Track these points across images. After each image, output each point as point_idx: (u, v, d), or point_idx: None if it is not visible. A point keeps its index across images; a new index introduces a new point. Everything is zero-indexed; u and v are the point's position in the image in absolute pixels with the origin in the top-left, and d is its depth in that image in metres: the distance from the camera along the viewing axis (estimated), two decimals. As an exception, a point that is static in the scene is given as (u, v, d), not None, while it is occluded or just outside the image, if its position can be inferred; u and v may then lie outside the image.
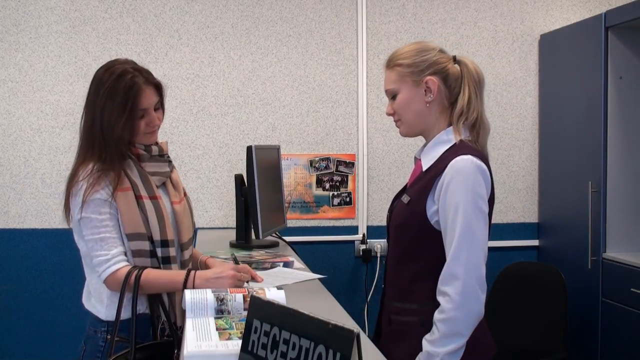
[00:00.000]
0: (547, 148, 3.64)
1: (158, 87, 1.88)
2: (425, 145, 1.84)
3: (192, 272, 1.78)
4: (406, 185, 1.88)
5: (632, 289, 2.87)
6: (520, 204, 3.73)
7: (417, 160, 1.86)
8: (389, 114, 1.86)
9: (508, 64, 3.69)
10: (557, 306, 2.98)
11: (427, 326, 1.72)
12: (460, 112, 1.77)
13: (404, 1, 3.61)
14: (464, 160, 1.68)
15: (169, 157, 1.98)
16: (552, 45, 3.57)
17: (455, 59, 1.81)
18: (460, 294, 1.63)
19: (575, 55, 3.33)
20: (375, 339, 1.91)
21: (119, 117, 1.78)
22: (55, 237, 3.39)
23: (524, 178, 3.72)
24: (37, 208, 3.41)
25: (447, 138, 1.77)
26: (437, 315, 1.67)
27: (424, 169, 1.78)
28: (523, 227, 3.72)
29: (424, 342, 1.69)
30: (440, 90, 1.78)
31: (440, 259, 1.71)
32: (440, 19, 3.63)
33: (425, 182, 1.75)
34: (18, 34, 3.39)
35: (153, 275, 1.78)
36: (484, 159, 1.74)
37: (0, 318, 3.40)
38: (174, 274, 1.81)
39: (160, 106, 1.90)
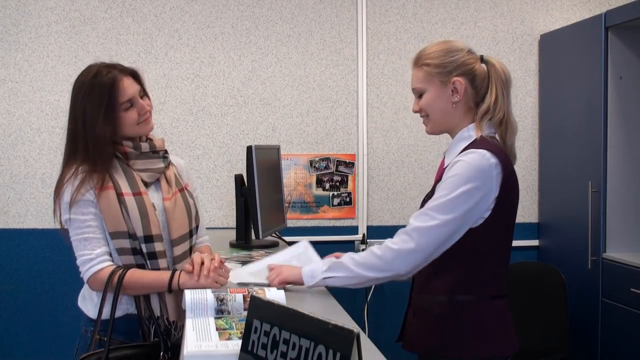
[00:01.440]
0: (547, 148, 3.64)
1: (135, 76, 1.89)
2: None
3: (177, 272, 1.78)
4: None
5: (632, 289, 2.87)
6: (520, 204, 3.69)
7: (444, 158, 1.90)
8: (415, 112, 1.87)
9: (508, 64, 3.63)
10: (557, 306, 2.98)
11: (446, 318, 1.76)
12: (486, 110, 1.78)
13: (404, 1, 3.61)
14: (475, 153, 1.71)
15: (165, 153, 1.96)
16: (552, 45, 3.57)
17: (482, 59, 1.82)
18: (409, 261, 1.71)
19: (575, 55, 3.33)
20: (400, 336, 1.94)
21: (97, 112, 1.79)
22: (55, 237, 3.34)
23: (524, 178, 3.71)
24: (37, 208, 3.41)
25: (468, 135, 1.79)
26: (376, 250, 1.73)
27: (445, 165, 1.81)
28: (523, 227, 3.71)
29: (346, 257, 1.77)
30: (467, 92, 1.79)
31: (458, 252, 1.73)
32: (440, 19, 3.63)
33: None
34: (18, 34, 3.39)
35: (137, 276, 1.78)
36: (502, 155, 1.74)
37: (0, 318, 3.40)
38: (159, 274, 1.80)
39: (144, 93, 1.91)
